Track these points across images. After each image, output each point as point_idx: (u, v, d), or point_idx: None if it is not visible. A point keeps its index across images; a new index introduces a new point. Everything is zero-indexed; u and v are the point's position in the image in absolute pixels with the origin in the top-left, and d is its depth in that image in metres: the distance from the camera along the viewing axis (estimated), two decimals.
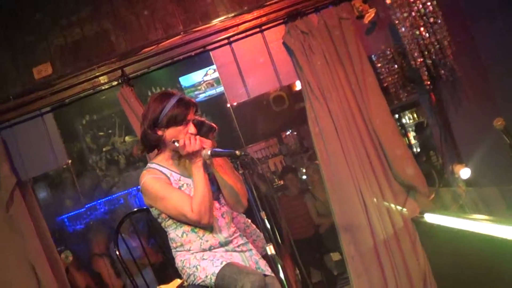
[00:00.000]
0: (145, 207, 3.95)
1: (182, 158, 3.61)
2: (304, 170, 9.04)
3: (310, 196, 7.75)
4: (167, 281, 4.19)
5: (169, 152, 3.65)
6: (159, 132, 3.55)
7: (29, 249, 5.23)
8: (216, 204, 3.66)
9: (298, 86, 8.34)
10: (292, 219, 7.63)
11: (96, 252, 6.98)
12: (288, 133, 9.96)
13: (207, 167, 3.58)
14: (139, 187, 3.73)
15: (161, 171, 3.59)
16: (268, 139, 9.83)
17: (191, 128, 3.54)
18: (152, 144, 3.65)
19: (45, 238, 5.43)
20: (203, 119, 3.88)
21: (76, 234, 8.03)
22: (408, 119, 7.11)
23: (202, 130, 3.80)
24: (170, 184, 3.54)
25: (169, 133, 3.54)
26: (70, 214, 8.26)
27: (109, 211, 8.23)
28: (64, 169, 7.70)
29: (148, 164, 3.69)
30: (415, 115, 6.70)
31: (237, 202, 3.72)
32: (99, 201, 8.23)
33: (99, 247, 7.01)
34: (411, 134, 6.94)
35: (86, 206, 8.06)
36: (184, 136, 3.48)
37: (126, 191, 8.28)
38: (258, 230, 4.03)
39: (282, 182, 8.51)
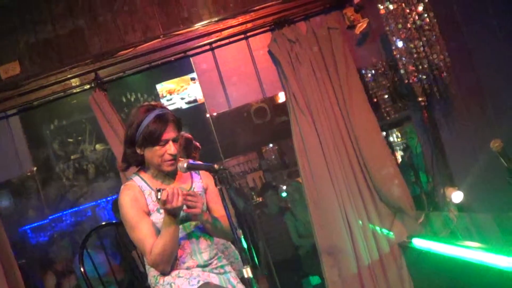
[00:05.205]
0: (114, 221, 3.68)
1: (166, 177, 3.44)
2: (284, 188, 8.80)
3: (290, 216, 7.50)
4: None
5: (153, 171, 3.44)
6: (138, 151, 3.35)
7: None
8: (200, 225, 3.46)
9: (281, 98, 8.25)
10: (271, 239, 7.38)
11: (56, 268, 6.77)
12: (268, 147, 9.77)
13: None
14: (108, 198, 3.46)
15: (140, 187, 3.39)
16: (248, 153, 9.62)
17: (171, 148, 3.29)
18: (133, 163, 3.47)
19: (4, 250, 5.16)
20: (190, 136, 3.67)
21: (39, 246, 7.72)
22: (396, 137, 6.89)
23: (189, 147, 3.59)
24: (145, 209, 3.35)
25: (146, 153, 3.34)
26: (33, 225, 7.94)
27: (75, 223, 7.94)
28: (29, 177, 7.42)
29: (131, 176, 3.49)
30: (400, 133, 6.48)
31: (225, 237, 3.62)
32: (64, 213, 7.94)
33: (60, 265, 6.80)
34: (399, 154, 6.72)
35: (50, 217, 7.77)
36: (159, 158, 3.29)
37: (95, 203, 7.99)
38: (237, 252, 3.77)
39: (261, 199, 8.26)
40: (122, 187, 3.42)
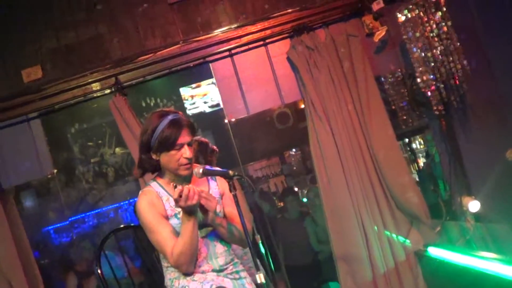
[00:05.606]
0: (133, 224, 3.72)
1: (183, 182, 3.38)
2: (306, 193, 8.77)
3: (310, 221, 7.44)
4: None
5: (169, 176, 3.44)
6: (154, 156, 3.36)
7: (4, 260, 5.01)
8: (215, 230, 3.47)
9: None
10: (291, 244, 7.32)
11: (77, 269, 6.74)
12: (291, 152, 9.76)
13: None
14: (130, 200, 3.48)
15: (158, 193, 3.40)
16: (270, 158, 9.61)
17: (186, 152, 3.30)
18: (149, 169, 3.46)
19: (24, 251, 5.19)
20: (206, 140, 3.67)
21: (61, 247, 7.77)
22: (418, 144, 6.85)
23: (205, 151, 3.58)
24: (163, 214, 3.36)
25: (162, 158, 3.35)
26: (56, 225, 8.00)
27: (97, 225, 7.99)
28: (51, 179, 7.48)
29: (149, 182, 3.49)
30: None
31: (240, 243, 3.58)
32: (87, 214, 8.00)
33: (81, 266, 6.79)
34: (421, 161, 6.67)
35: (70, 219, 7.82)
36: (176, 162, 3.30)
37: (117, 204, 8.02)
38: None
39: (282, 204, 8.23)
40: (139, 192, 3.45)
